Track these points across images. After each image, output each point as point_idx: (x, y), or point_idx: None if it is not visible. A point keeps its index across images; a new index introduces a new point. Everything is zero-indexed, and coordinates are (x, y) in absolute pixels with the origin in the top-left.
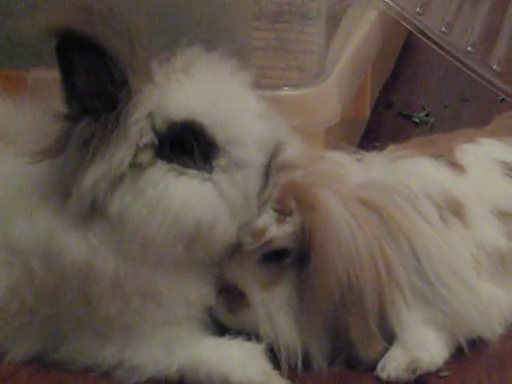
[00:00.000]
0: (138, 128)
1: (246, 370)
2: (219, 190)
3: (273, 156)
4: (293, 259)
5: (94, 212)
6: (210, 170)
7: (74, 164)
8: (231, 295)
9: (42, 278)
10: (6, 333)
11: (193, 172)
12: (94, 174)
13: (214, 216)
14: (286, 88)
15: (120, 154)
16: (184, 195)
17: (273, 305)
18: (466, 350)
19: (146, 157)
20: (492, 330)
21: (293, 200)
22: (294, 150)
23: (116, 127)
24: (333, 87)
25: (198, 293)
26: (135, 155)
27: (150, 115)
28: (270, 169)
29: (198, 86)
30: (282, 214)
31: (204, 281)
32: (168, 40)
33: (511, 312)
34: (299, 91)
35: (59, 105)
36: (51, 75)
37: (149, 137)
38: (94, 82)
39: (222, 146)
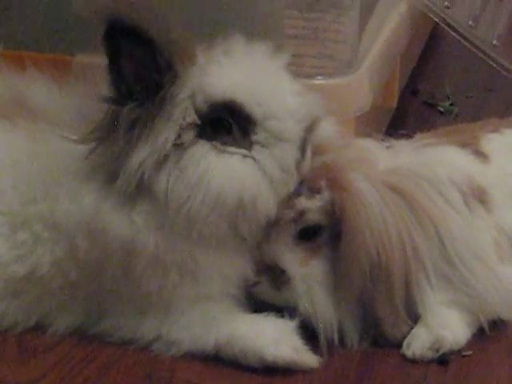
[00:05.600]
0: (181, 109)
1: (278, 348)
2: (259, 165)
3: (309, 129)
4: (326, 237)
5: (138, 192)
6: (250, 147)
7: (120, 146)
8: (274, 273)
9: (86, 253)
10: (50, 306)
11: (232, 149)
12: (139, 156)
13: (256, 191)
14: (319, 77)
15: (164, 135)
16: (225, 172)
17: (311, 280)
18: (487, 330)
19: (188, 136)
20: None
21: (324, 180)
22: (328, 126)
23: (160, 110)
24: (365, 76)
25: (235, 270)
26: (178, 135)
27: (193, 96)
28: (306, 142)
29: (236, 67)
30: (312, 191)
31: (242, 258)
32: (198, 28)
33: None
34: (332, 80)
35: (103, 90)
36: (95, 61)
37: (191, 117)
38: (140, 68)
39: (261, 121)
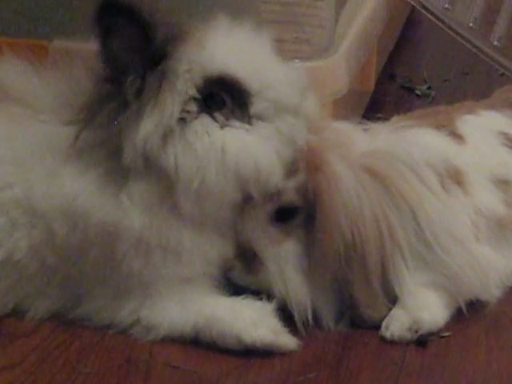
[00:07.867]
0: (183, 81)
1: (257, 330)
2: (265, 140)
3: (305, 98)
4: (301, 218)
5: (130, 172)
6: (248, 120)
7: (120, 122)
8: (247, 256)
9: (64, 238)
10: (27, 291)
11: (233, 122)
12: (146, 129)
13: (270, 161)
14: (296, 60)
15: (170, 107)
16: (236, 145)
17: (283, 261)
18: (465, 311)
19: (191, 109)
20: (490, 292)
21: (302, 161)
22: (314, 101)
23: (163, 82)
24: (341, 60)
25: (217, 250)
26: (183, 108)
27: (191, 70)
28: (304, 110)
29: (229, 42)
30: (289, 172)
31: (224, 239)
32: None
33: (508, 276)
34: (309, 64)
35: (81, 75)
36: (72, 46)
37: (193, 90)
38: (133, 47)
39: (257, 91)
